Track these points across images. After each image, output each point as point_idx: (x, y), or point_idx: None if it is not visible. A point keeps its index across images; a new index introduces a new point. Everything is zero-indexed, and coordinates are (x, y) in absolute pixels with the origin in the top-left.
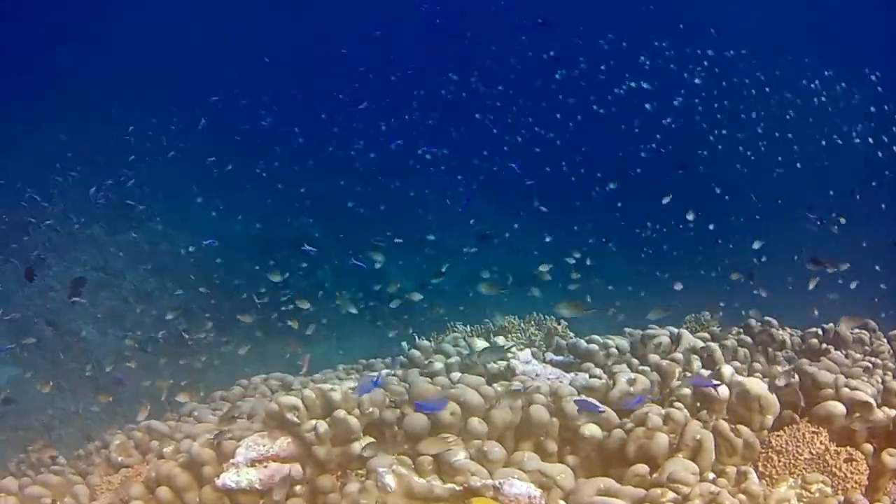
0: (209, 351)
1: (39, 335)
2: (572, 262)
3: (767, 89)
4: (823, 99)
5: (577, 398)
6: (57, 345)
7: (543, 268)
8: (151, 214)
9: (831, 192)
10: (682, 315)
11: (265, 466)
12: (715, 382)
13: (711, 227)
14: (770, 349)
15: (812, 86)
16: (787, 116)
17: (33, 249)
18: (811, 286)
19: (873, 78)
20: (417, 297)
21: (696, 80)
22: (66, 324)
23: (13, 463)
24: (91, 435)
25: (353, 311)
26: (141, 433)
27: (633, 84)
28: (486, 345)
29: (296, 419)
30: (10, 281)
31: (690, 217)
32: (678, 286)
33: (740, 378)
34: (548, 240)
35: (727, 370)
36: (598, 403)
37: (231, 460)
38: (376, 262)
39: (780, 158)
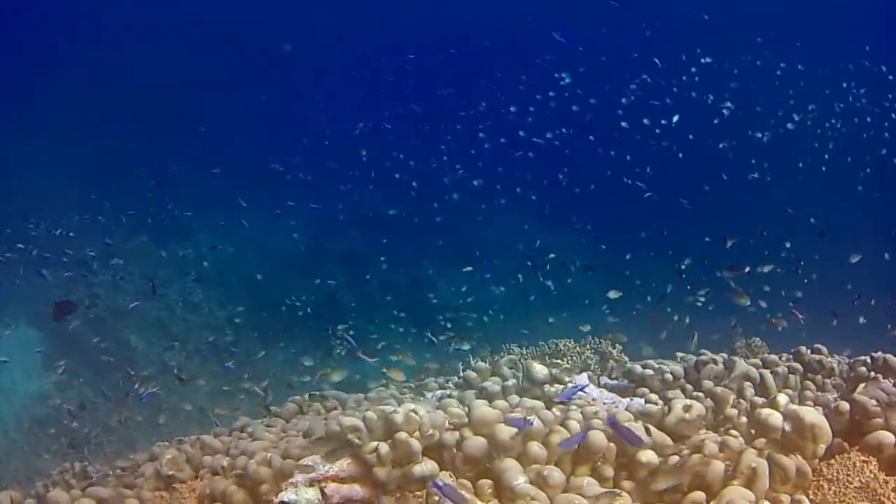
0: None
1: (84, 343)
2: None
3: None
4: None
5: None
6: (100, 353)
7: (613, 294)
8: (199, 227)
9: None
10: (732, 340)
11: (324, 486)
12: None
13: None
14: (819, 376)
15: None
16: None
17: (83, 259)
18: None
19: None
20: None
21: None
22: (111, 332)
23: (56, 471)
24: (134, 446)
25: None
26: (193, 448)
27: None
28: (544, 368)
29: (357, 440)
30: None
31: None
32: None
33: (795, 406)
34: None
35: (782, 398)
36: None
37: (290, 479)
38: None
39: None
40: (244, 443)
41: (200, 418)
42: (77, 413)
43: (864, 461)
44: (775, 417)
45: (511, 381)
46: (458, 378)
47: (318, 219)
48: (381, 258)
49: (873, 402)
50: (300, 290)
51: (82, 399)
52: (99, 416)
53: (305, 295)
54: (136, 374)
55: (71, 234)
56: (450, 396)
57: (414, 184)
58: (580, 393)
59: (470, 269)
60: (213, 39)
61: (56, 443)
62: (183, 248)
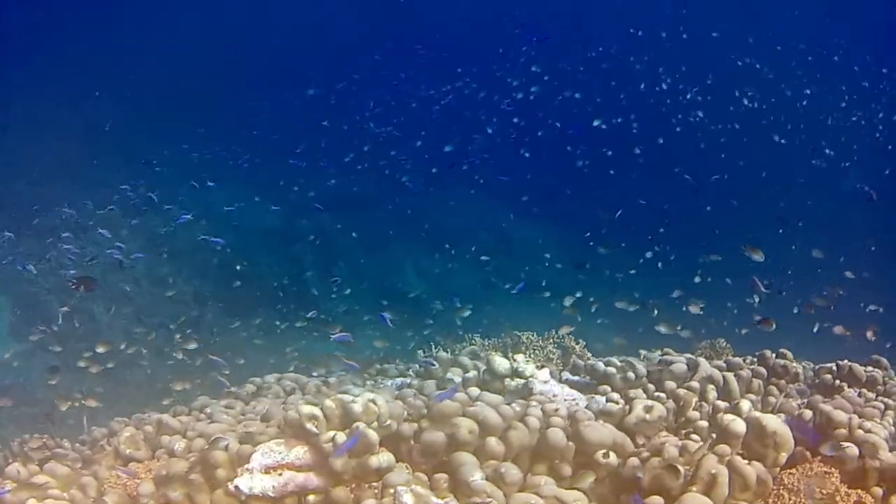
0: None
1: (50, 313)
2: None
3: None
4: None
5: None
6: (68, 324)
7: (568, 301)
8: (170, 200)
9: None
10: (698, 340)
11: (280, 474)
12: None
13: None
14: (783, 381)
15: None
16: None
17: (50, 229)
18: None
19: None
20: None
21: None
22: (77, 304)
23: (16, 443)
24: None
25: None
26: (152, 427)
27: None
28: (505, 361)
29: (315, 429)
30: (25, 259)
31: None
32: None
33: (757, 413)
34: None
35: (745, 404)
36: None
37: (246, 465)
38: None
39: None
40: (202, 424)
41: (161, 392)
42: (52, 377)
43: (826, 472)
44: (737, 424)
45: (472, 373)
46: (419, 367)
47: (293, 200)
48: (353, 234)
49: (838, 412)
50: (270, 268)
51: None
52: (61, 387)
53: (275, 272)
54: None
55: (35, 208)
56: (409, 386)
57: (386, 171)
58: (543, 388)
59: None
60: (204, 27)
61: (17, 411)
62: (152, 221)
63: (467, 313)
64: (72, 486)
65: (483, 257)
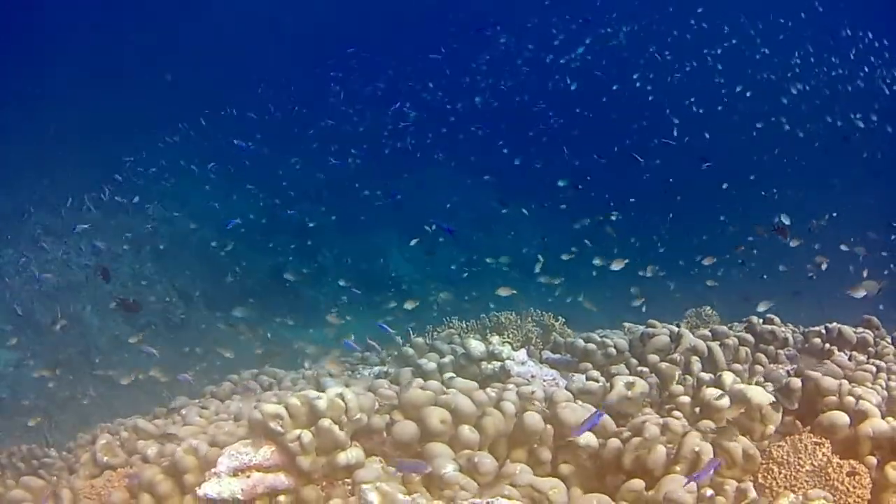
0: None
1: (36, 319)
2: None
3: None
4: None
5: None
6: (56, 329)
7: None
8: (151, 198)
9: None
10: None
11: (247, 476)
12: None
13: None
14: (772, 347)
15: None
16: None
17: (30, 234)
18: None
19: None
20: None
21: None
22: (64, 308)
23: (4, 455)
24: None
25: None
26: (128, 432)
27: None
28: (481, 344)
29: (280, 428)
30: (7, 265)
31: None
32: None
33: (741, 386)
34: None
35: (728, 377)
36: (598, 412)
37: (213, 469)
38: None
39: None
40: (175, 427)
41: (153, 390)
42: (52, 377)
43: (816, 443)
44: (721, 398)
45: (448, 358)
46: (396, 353)
47: (272, 190)
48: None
49: (827, 378)
50: (252, 261)
51: (51, 367)
52: (54, 391)
53: (257, 266)
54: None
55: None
56: (386, 373)
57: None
58: (520, 369)
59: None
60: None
61: (10, 422)
62: (135, 221)
63: (444, 295)
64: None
65: (502, 259)
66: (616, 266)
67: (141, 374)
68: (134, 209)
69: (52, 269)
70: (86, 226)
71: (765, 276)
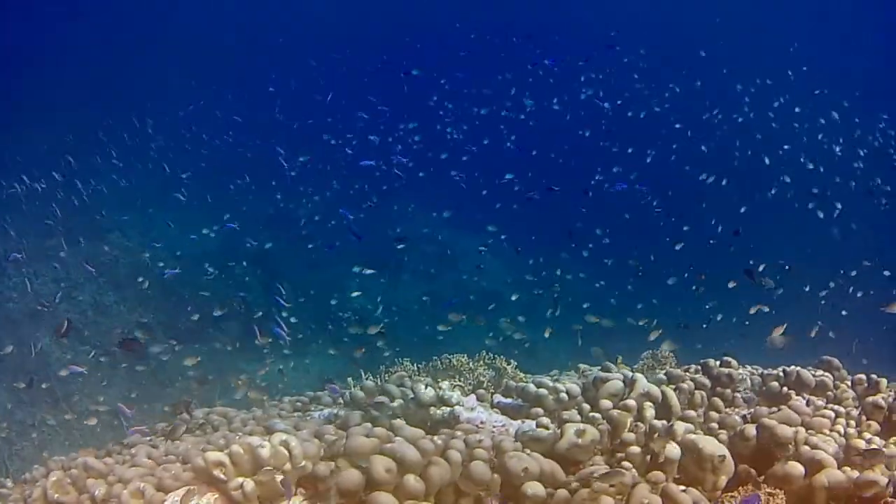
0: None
1: None
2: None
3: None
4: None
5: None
6: (16, 357)
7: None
8: (111, 227)
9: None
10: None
11: None
12: None
13: None
14: (728, 390)
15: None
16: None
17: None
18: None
19: None
20: (374, 329)
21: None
22: (24, 336)
23: None
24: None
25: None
26: (78, 470)
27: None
28: (430, 390)
29: (223, 476)
30: None
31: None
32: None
33: (693, 436)
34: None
35: (680, 427)
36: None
37: None
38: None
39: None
40: (122, 468)
41: (111, 422)
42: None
43: (769, 493)
44: (672, 449)
45: (398, 402)
46: (348, 396)
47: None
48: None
49: (783, 426)
50: (212, 291)
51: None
52: (14, 419)
53: (218, 295)
54: (51, 376)
55: None
56: (336, 416)
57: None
58: (470, 416)
59: (372, 271)
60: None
61: None
62: (96, 249)
63: (375, 330)
64: None
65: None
66: (607, 324)
67: (101, 408)
68: (95, 237)
69: (13, 295)
70: (19, 255)
71: (707, 306)
